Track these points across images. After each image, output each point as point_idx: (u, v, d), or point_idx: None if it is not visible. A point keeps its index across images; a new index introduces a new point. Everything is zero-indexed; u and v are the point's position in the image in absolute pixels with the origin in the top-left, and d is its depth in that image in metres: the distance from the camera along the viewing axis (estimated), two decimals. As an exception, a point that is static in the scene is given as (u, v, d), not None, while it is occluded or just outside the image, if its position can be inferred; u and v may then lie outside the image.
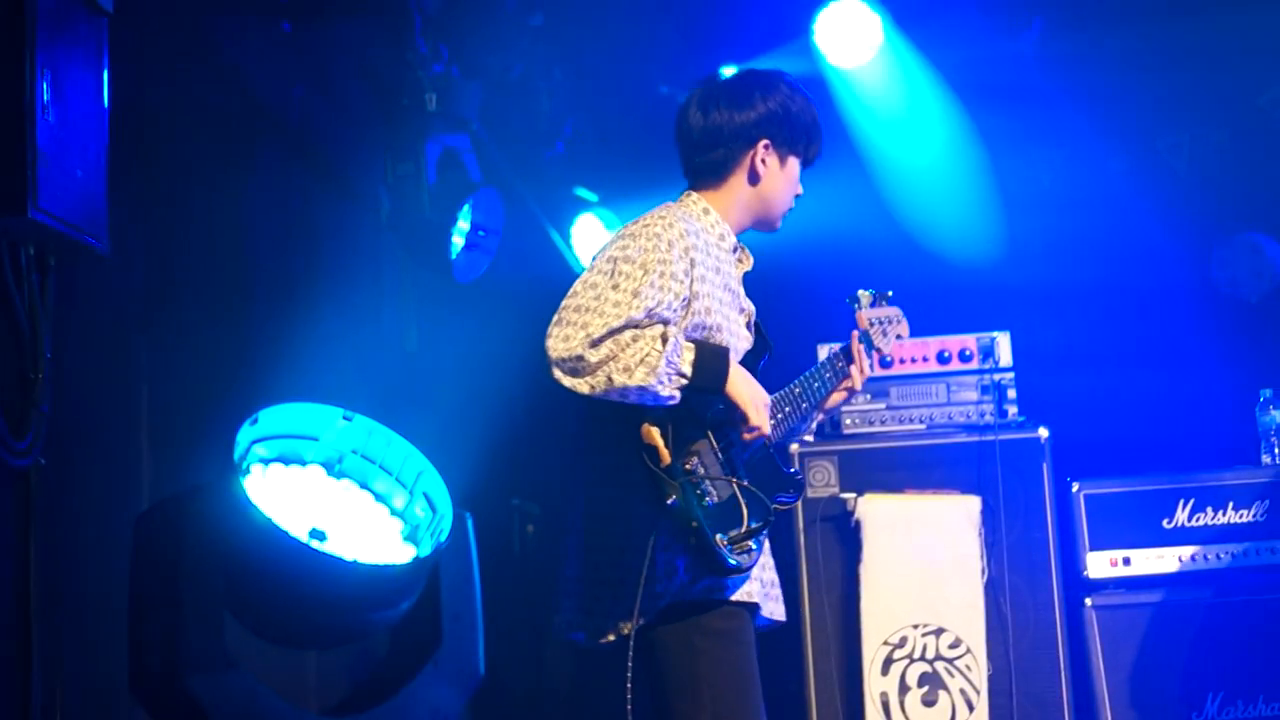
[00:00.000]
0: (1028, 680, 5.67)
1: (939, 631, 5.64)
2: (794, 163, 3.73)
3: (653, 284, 3.40)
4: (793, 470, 3.71)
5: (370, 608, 3.72)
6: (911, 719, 5.61)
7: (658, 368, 3.33)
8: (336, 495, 3.77)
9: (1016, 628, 5.69)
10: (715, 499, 3.42)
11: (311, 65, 5.63)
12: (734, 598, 3.52)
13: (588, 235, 7.21)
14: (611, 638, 3.52)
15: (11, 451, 3.81)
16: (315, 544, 3.70)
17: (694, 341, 3.45)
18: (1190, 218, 6.98)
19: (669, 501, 3.36)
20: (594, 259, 3.53)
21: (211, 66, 5.07)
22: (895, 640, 5.65)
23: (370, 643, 4.06)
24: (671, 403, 3.39)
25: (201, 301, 4.86)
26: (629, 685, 3.42)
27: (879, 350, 4.00)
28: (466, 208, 5.89)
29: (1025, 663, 5.68)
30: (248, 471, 3.67)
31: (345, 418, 3.76)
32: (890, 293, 4.04)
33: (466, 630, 3.77)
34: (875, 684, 5.64)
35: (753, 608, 3.57)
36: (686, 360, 3.39)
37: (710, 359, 3.44)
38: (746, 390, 3.51)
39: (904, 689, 5.63)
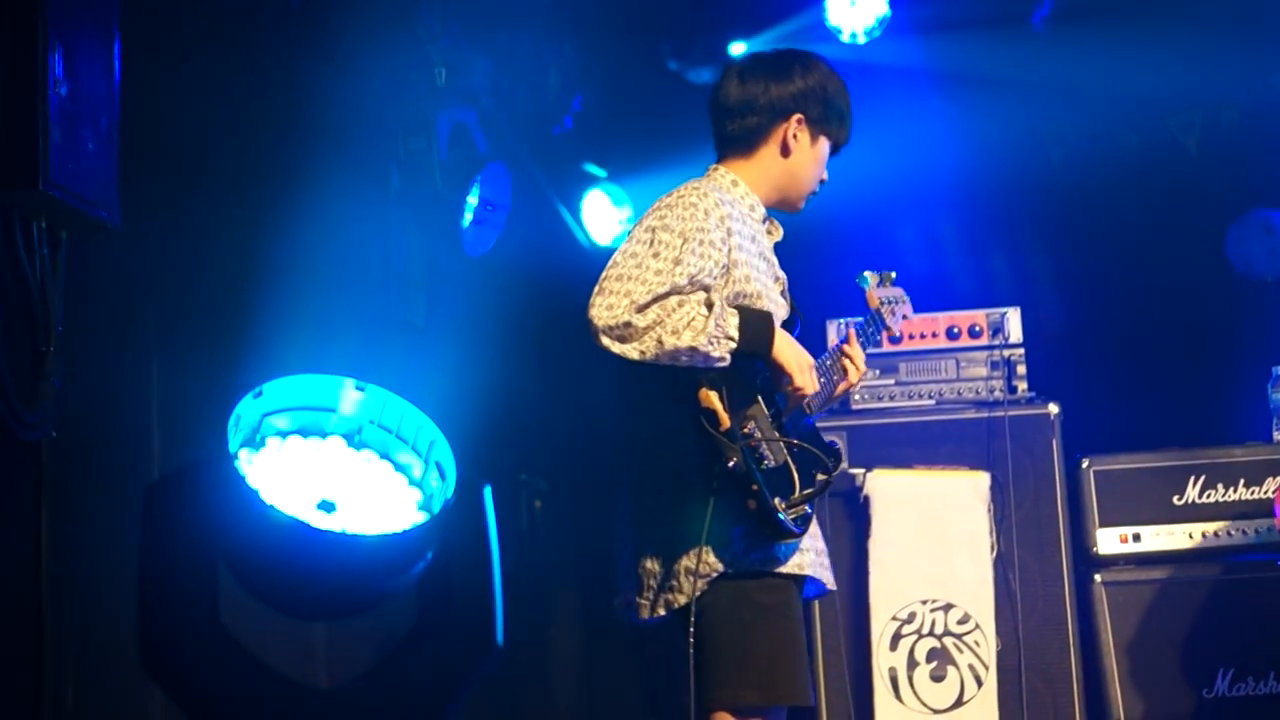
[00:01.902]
0: (1036, 656, 5.68)
1: (948, 607, 5.65)
2: (824, 143, 3.75)
3: (693, 251, 3.43)
4: (830, 441, 3.71)
5: (371, 579, 3.73)
6: (920, 694, 5.61)
7: (706, 329, 3.36)
8: (356, 466, 3.78)
9: (1025, 604, 5.69)
10: (771, 463, 3.44)
11: (321, 39, 5.61)
12: (784, 570, 3.53)
13: (596, 210, 7.21)
14: (662, 612, 3.53)
15: (23, 424, 3.80)
16: (321, 516, 3.71)
17: (737, 307, 3.47)
18: (1202, 195, 6.97)
19: (730, 464, 3.37)
20: (628, 232, 3.55)
21: (221, 40, 5.06)
22: (904, 615, 5.66)
23: (382, 613, 4.07)
24: (721, 364, 3.41)
25: (211, 275, 4.86)
26: (691, 658, 3.43)
27: (889, 330, 4.02)
28: (476, 182, 5.88)
29: (1034, 639, 5.69)
30: (263, 444, 3.68)
31: (358, 388, 3.77)
32: (894, 274, 4.07)
33: (483, 601, 3.77)
34: (884, 659, 5.64)
35: (800, 580, 3.58)
36: (732, 324, 3.42)
37: (755, 322, 3.47)
38: (791, 352, 3.55)
39: (912, 664, 5.64)
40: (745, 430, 3.43)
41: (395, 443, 3.91)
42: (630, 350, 3.37)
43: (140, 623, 3.69)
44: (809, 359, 3.61)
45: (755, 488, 3.40)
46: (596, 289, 3.41)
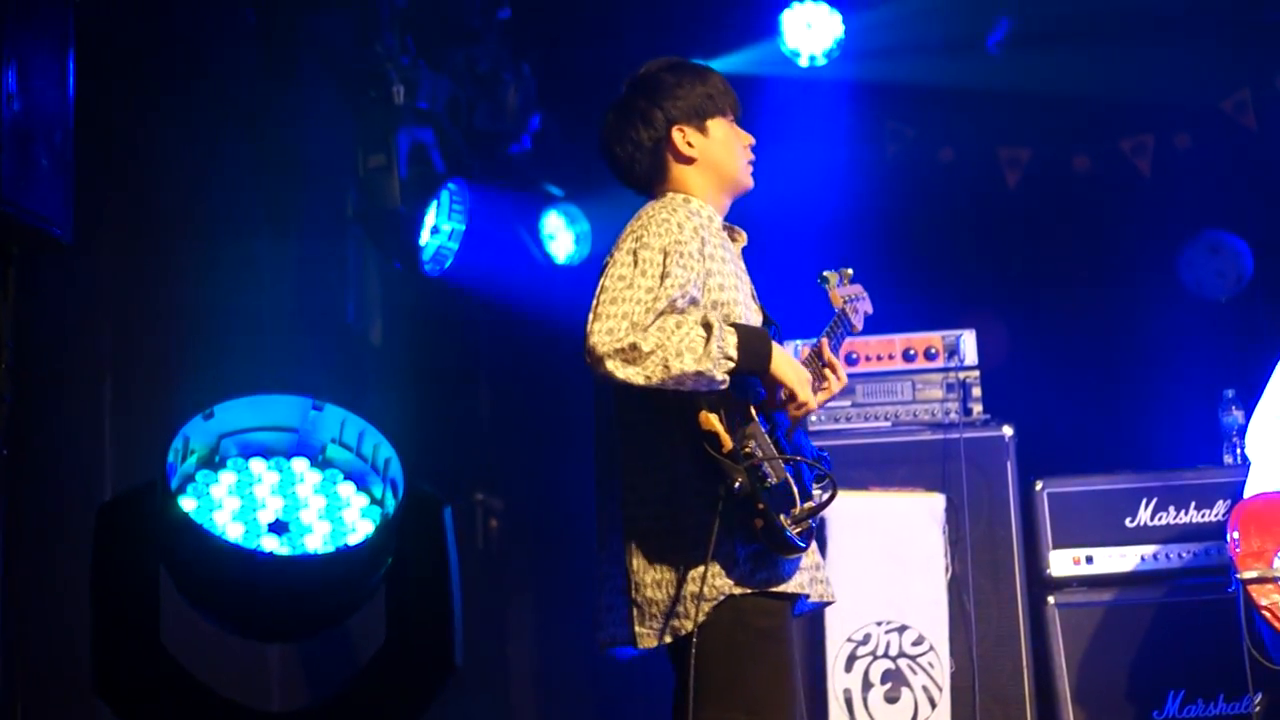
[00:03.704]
0: (990, 677, 5.69)
1: (902, 629, 5.66)
2: (718, 123, 3.73)
3: (676, 263, 3.44)
4: (819, 450, 3.70)
5: (319, 597, 3.71)
6: (874, 716, 5.62)
7: (709, 351, 3.35)
8: (319, 486, 3.75)
9: (979, 625, 5.71)
10: (774, 480, 3.43)
11: (277, 56, 5.60)
12: (786, 589, 3.52)
13: (554, 229, 7.22)
14: (669, 640, 3.50)
15: (-27, 442, 3.77)
16: (270, 539, 3.69)
17: (733, 325, 3.46)
18: (1154, 217, 7.02)
19: (735, 486, 3.35)
20: (606, 262, 3.52)
21: (177, 56, 5.04)
22: (859, 637, 5.66)
23: (336, 633, 4.05)
24: (723, 386, 3.40)
25: (165, 292, 4.83)
26: (692, 685, 3.40)
27: (854, 328, 3.98)
28: (434, 201, 5.88)
29: (988, 660, 5.71)
30: (223, 465, 3.66)
31: (315, 407, 3.75)
32: (850, 270, 4.04)
33: (439, 620, 3.75)
34: (839, 681, 5.65)
35: (794, 599, 3.57)
36: (730, 343, 3.41)
37: (753, 340, 3.46)
38: (790, 368, 3.54)
39: (867, 686, 5.64)
40: (747, 450, 3.42)
41: (357, 461, 3.90)
42: (635, 375, 3.35)
43: (92, 645, 3.66)
44: (806, 373, 3.61)
45: (762, 507, 3.39)
46: (591, 316, 3.39)
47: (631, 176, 3.76)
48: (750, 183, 3.80)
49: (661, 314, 3.38)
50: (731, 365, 3.41)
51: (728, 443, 3.38)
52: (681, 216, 3.55)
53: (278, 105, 5.58)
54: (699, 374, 3.35)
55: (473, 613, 4.99)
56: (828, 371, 3.77)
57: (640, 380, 3.35)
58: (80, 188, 4.01)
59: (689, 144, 3.70)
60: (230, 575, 3.54)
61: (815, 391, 3.71)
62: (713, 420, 3.39)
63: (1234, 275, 6.93)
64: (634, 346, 3.34)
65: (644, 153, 3.71)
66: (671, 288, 3.41)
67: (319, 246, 5.84)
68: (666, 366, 3.34)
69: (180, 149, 5.00)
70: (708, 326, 3.39)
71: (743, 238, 3.81)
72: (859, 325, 4.00)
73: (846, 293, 3.99)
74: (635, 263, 3.44)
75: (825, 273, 4.00)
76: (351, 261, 6.08)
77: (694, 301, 3.47)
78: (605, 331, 3.36)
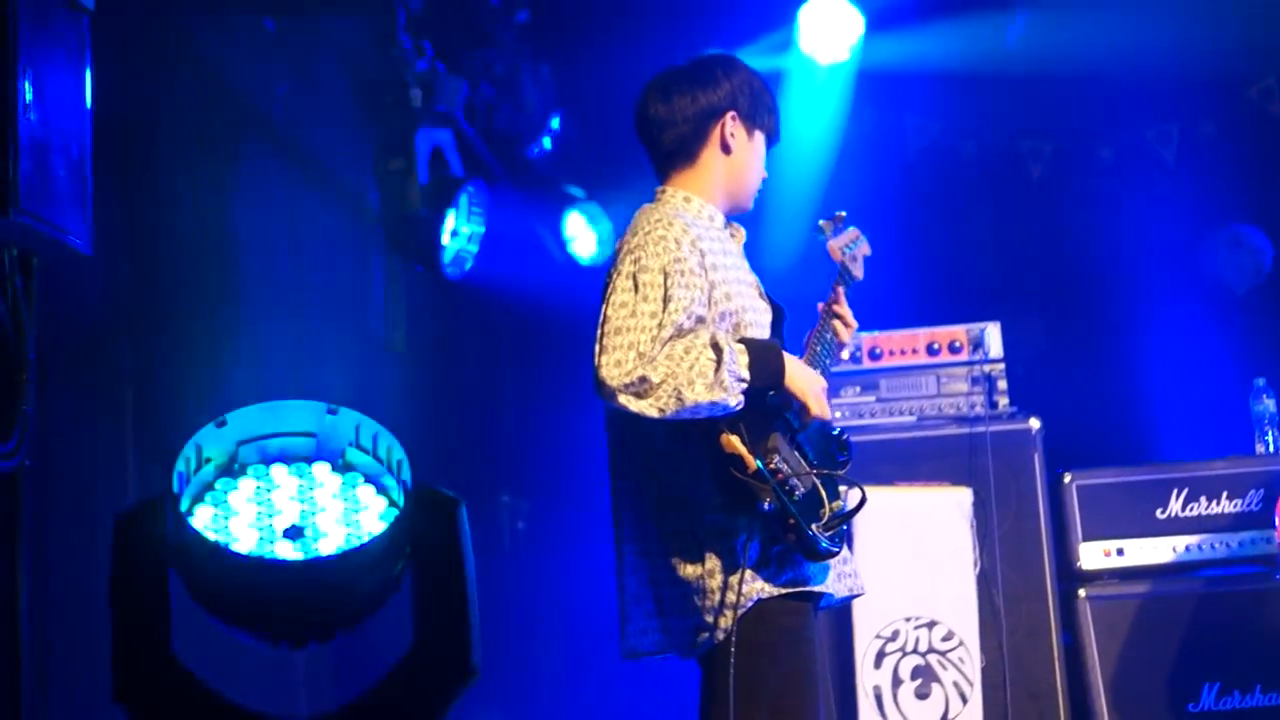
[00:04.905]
0: (1021, 672, 5.66)
1: (931, 624, 5.63)
2: (760, 137, 3.72)
3: (677, 284, 3.38)
4: (837, 431, 3.67)
5: (329, 599, 3.70)
6: (905, 712, 5.59)
7: (722, 379, 3.31)
8: (340, 490, 3.74)
9: (1009, 619, 5.67)
10: (801, 491, 3.40)
11: (295, 62, 5.61)
12: (809, 589, 3.50)
13: (575, 230, 7.21)
14: (698, 652, 3.48)
15: (-3, 453, 3.78)
16: (285, 545, 3.69)
17: (743, 342, 3.42)
18: (1179, 207, 6.99)
19: (765, 506, 3.33)
20: (606, 283, 3.48)
21: (194, 64, 5.05)
22: (887, 633, 5.64)
23: (360, 638, 4.04)
24: (739, 408, 3.37)
25: (186, 301, 4.84)
26: (731, 692, 3.38)
27: (856, 277, 3.91)
28: (454, 204, 5.89)
29: (1018, 655, 5.67)
30: (242, 473, 3.66)
31: (330, 410, 3.74)
32: (844, 213, 3.95)
33: (455, 625, 3.72)
34: (868, 677, 5.62)
35: (817, 598, 3.55)
36: (742, 363, 3.36)
37: (764, 356, 3.41)
38: (804, 381, 3.50)
39: (897, 682, 5.62)
40: (771, 466, 3.37)
41: (375, 464, 3.89)
42: (649, 408, 3.31)
43: (112, 656, 3.67)
44: (820, 380, 3.57)
45: (793, 521, 3.37)
46: (598, 348, 3.34)
47: (659, 139, 3.68)
48: (749, 208, 3.77)
49: (669, 340, 3.33)
50: (745, 386, 3.36)
51: (751, 463, 3.34)
52: (678, 230, 3.48)
53: (296, 111, 5.59)
54: (713, 403, 3.31)
55: (500, 616, 4.98)
56: (837, 323, 3.72)
57: (654, 413, 3.31)
58: (99, 197, 4.02)
59: (732, 135, 3.67)
60: (239, 582, 3.53)
61: (833, 342, 3.69)
62: (734, 442, 3.35)
63: (1253, 269, 6.90)
64: (644, 379, 3.29)
65: (688, 120, 3.64)
66: (675, 311, 3.35)
67: (340, 251, 5.85)
68: (679, 397, 3.30)
69: (198, 156, 5.00)
70: (717, 349, 3.34)
71: (741, 234, 3.77)
72: (860, 274, 3.89)
73: (841, 242, 3.89)
74: (636, 288, 3.38)
75: (820, 222, 3.91)
76: (373, 266, 6.09)
77: (700, 320, 3.42)
78: (613, 364, 3.31)
